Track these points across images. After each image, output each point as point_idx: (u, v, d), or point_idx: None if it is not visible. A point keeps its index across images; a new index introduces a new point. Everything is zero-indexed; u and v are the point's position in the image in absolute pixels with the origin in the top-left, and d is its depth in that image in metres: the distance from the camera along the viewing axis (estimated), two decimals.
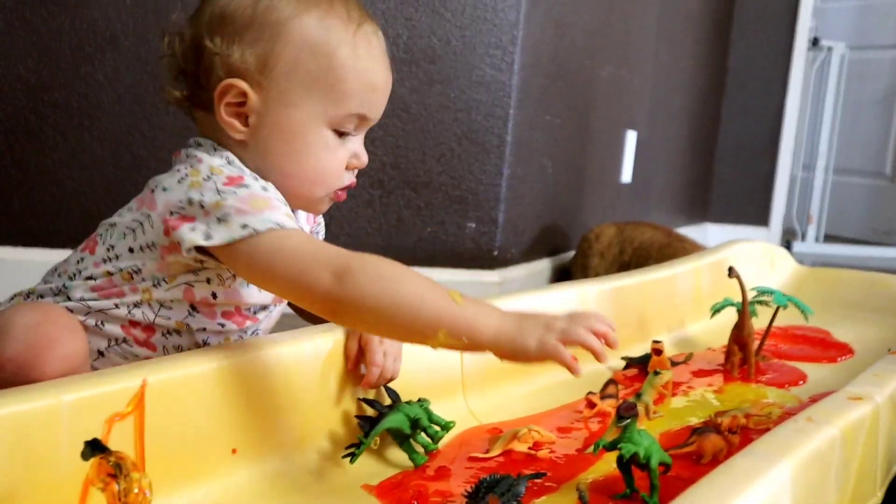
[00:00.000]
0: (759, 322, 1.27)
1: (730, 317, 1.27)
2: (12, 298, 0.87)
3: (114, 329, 0.81)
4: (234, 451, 0.77)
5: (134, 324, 0.81)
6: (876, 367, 0.96)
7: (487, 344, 0.72)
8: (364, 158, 0.86)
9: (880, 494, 0.84)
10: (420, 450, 0.88)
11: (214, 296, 0.82)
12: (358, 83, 0.82)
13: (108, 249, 0.81)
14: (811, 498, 0.67)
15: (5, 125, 1.47)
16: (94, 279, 0.81)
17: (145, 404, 0.70)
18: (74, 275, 0.83)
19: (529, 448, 0.92)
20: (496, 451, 0.91)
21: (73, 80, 1.49)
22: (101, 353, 0.82)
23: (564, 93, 2.11)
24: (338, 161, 0.84)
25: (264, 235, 0.73)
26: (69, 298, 0.81)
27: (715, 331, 1.37)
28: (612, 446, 0.79)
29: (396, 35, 1.73)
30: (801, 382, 1.22)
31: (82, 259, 0.83)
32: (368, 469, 0.85)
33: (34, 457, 0.62)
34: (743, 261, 1.57)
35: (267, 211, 0.75)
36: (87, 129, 1.51)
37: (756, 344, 1.26)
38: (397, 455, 0.88)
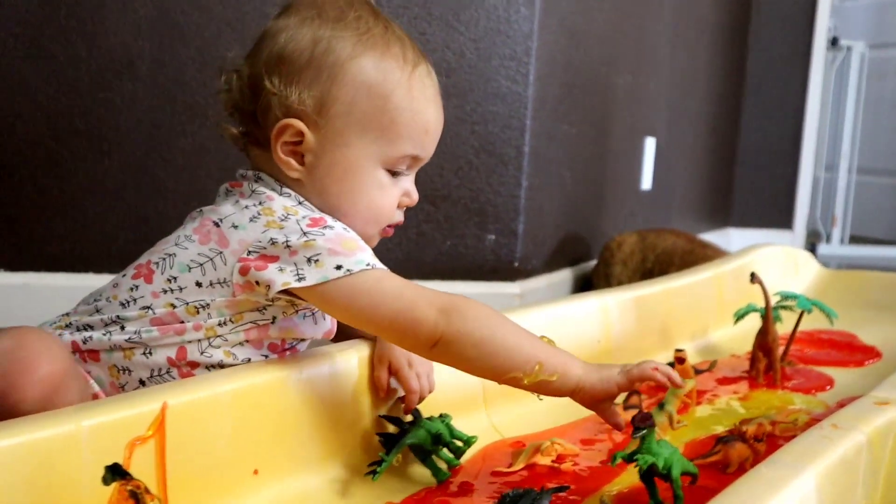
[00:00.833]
0: (783, 327, 1.25)
1: (754, 323, 1.26)
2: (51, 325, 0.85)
3: (159, 359, 0.81)
4: (255, 471, 0.77)
5: (182, 357, 0.81)
6: None
7: (578, 379, 0.79)
8: (415, 196, 0.88)
9: None
10: (443, 465, 0.88)
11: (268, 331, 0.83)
12: (412, 125, 0.84)
13: (170, 281, 0.81)
14: None
15: (26, 153, 1.48)
16: (152, 309, 0.80)
17: (166, 427, 0.70)
18: (127, 302, 0.82)
19: (553, 461, 0.91)
20: (519, 465, 0.90)
21: (91, 107, 1.51)
22: (142, 383, 0.81)
23: (581, 102, 2.10)
24: (390, 200, 0.86)
25: (359, 276, 0.76)
26: (123, 329, 0.81)
27: (739, 337, 1.36)
28: (630, 458, 0.78)
29: None
30: (828, 387, 1.20)
31: (136, 287, 0.82)
32: (391, 486, 0.85)
33: (56, 483, 0.63)
34: (766, 265, 1.56)
35: (359, 252, 0.78)
36: (106, 154, 1.53)
37: (781, 349, 1.24)
38: (420, 471, 0.88)
